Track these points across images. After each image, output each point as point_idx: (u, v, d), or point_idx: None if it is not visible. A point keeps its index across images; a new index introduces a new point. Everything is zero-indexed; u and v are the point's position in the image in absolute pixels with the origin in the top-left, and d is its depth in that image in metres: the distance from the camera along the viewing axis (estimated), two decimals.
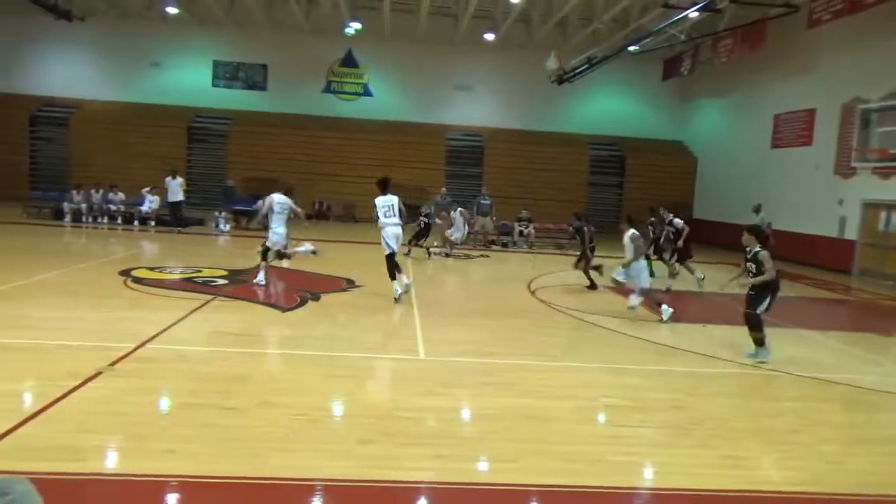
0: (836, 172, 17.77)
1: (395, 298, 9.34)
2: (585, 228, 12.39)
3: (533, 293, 11.15)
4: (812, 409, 6.00)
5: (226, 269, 11.17)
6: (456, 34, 24.54)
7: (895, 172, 15.03)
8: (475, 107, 26.67)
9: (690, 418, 5.45)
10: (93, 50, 24.95)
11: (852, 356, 8.40)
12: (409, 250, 14.50)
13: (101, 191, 19.15)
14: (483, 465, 4.38)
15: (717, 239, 21.34)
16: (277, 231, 10.09)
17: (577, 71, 22.18)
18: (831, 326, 10.64)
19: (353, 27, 22.80)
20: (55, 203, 19.17)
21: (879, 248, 16.57)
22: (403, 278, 9.66)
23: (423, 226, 15.35)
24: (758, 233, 7.63)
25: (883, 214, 16.51)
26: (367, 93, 26.25)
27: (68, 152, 24.02)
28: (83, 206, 18.80)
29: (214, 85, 25.81)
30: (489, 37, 24.17)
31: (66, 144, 24.15)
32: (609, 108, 26.94)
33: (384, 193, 9.60)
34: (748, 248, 7.52)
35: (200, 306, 8.57)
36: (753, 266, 7.39)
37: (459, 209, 16.38)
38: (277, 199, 10.12)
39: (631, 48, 20.31)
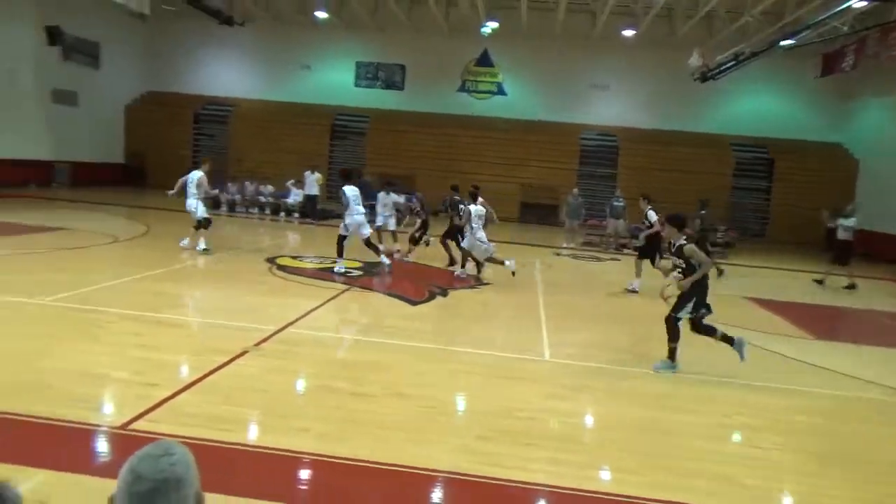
0: None
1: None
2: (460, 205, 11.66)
3: (666, 300, 10.71)
4: None
5: (360, 262, 11.69)
6: (593, 31, 24.01)
7: None
8: (611, 105, 25.96)
9: (831, 446, 5.01)
10: (250, 53, 26.96)
11: None
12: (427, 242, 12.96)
13: (253, 183, 20.70)
14: (604, 474, 4.29)
15: (883, 251, 19.36)
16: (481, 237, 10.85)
17: (723, 68, 20.93)
18: None
19: (490, 26, 22.97)
20: (213, 193, 20.92)
21: None
22: (383, 258, 10.78)
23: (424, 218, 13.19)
24: (677, 221, 6.64)
25: None
26: (500, 91, 26.38)
27: (226, 147, 26.17)
28: (237, 196, 20.40)
29: (356, 85, 27.00)
30: (628, 33, 23.41)
31: (224, 140, 26.32)
32: (756, 107, 25.19)
33: (352, 184, 10.70)
34: (672, 242, 6.64)
35: (337, 295, 9.04)
36: (682, 262, 6.51)
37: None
38: (475, 210, 10.80)
39: (784, 43, 18.87)
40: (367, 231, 10.81)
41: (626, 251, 17.69)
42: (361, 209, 10.61)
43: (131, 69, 26.68)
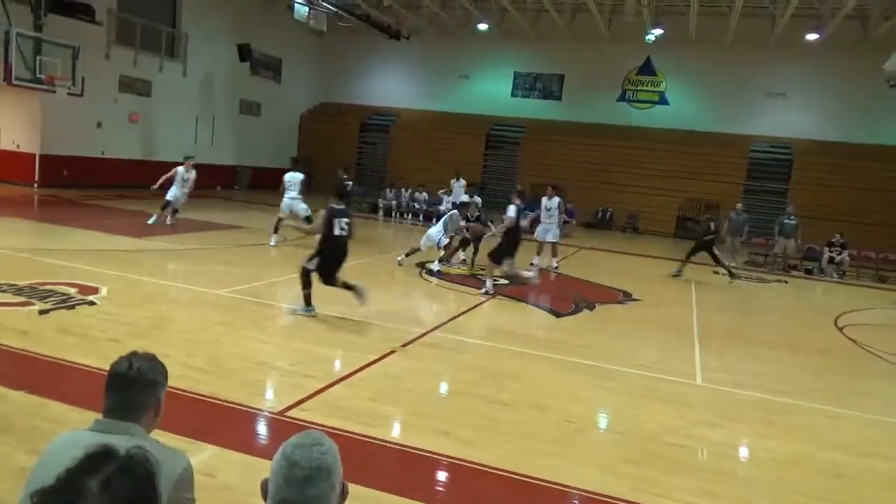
0: None
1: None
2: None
3: (841, 329, 9.67)
4: None
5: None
6: (772, 35, 22.28)
7: None
8: (786, 116, 23.92)
9: None
10: (414, 64, 28.10)
11: None
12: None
13: (409, 190, 21.54)
14: None
15: None
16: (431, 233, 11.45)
17: None
18: None
19: (655, 33, 22.13)
20: (373, 199, 22.08)
21: None
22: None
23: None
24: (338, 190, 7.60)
25: None
26: (663, 101, 25.29)
27: (386, 155, 27.46)
28: (394, 202, 21.34)
29: (513, 95, 27.18)
30: (812, 37, 21.44)
31: (385, 148, 27.65)
32: None
33: (295, 171, 12.54)
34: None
35: (482, 302, 9.13)
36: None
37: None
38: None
39: None
40: (301, 210, 12.18)
41: (794, 273, 16.21)
42: (293, 193, 12.21)
43: (308, 81, 28.87)
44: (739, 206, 17.47)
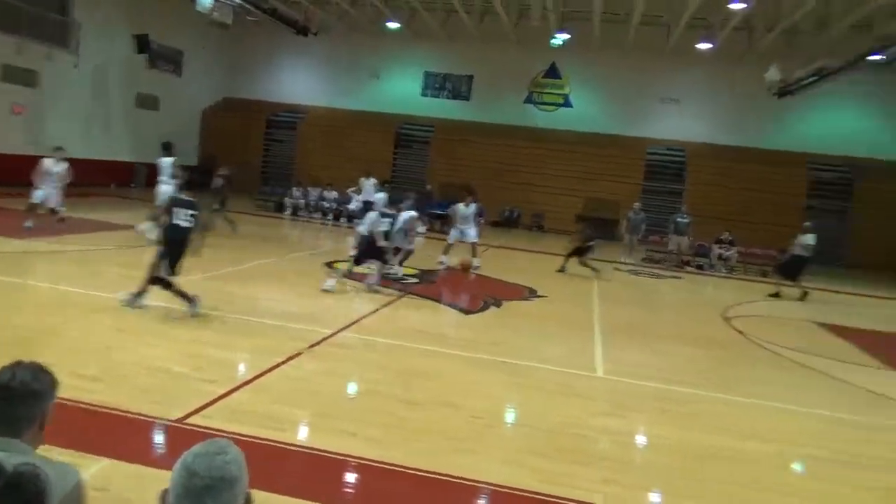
0: None
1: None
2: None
3: (728, 321, 10.33)
4: None
5: (417, 269, 11.75)
6: (667, 44, 23.51)
7: None
8: (680, 120, 25.33)
9: None
10: (322, 61, 27.61)
11: None
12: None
13: (317, 189, 21.17)
14: (656, 497, 4.15)
15: None
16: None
17: (804, 83, 20.09)
18: None
19: (560, 38, 22.81)
20: (278, 197, 21.54)
21: None
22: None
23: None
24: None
25: None
26: (567, 104, 26.14)
27: (294, 153, 26.87)
28: (301, 201, 20.90)
29: (423, 94, 27.26)
30: (703, 46, 22.79)
31: (292, 146, 27.04)
32: (838, 124, 24.01)
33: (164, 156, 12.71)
34: None
35: (391, 301, 9.11)
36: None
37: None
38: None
39: (874, 57, 17.94)
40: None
41: (687, 269, 17.18)
42: (164, 178, 12.24)
43: (210, 76, 27.75)
44: (637, 205, 18.35)
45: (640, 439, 5.21)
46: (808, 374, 7.68)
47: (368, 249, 9.62)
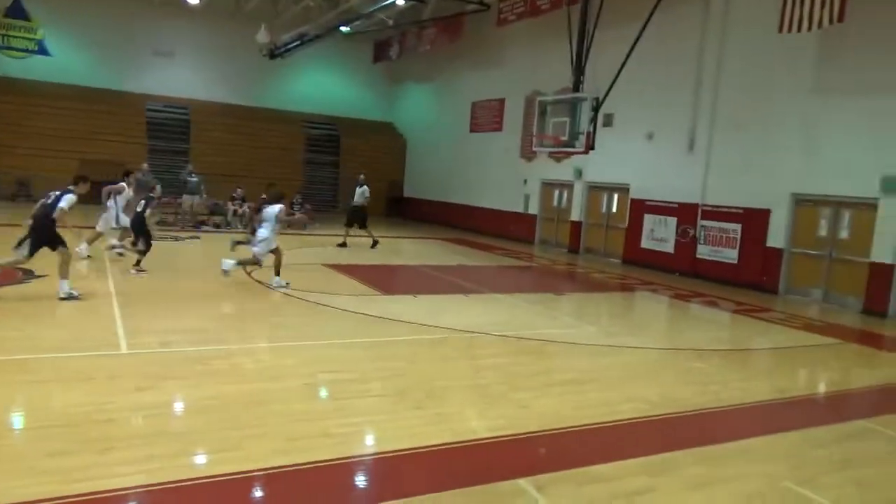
0: (522, 156, 20.31)
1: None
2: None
3: (249, 274, 10.79)
4: (507, 363, 6.84)
5: None
6: None
7: (566, 157, 17.66)
8: (179, 76, 24.64)
9: (407, 383, 5.81)
10: None
11: (536, 314, 9.75)
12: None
13: None
14: (201, 459, 4.14)
15: (423, 215, 22.94)
16: None
17: (289, 46, 21.76)
18: (519, 289, 12.20)
19: None
20: None
21: (553, 222, 19.46)
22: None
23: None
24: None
25: (556, 192, 19.38)
26: (42, 51, 22.47)
27: None
28: None
29: None
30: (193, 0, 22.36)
31: None
32: (324, 87, 27.03)
33: None
34: None
35: None
36: None
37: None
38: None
39: (343, 28, 20.54)
40: None
41: (204, 228, 17.17)
42: None
43: None
44: (145, 165, 17.29)
45: (178, 406, 5.08)
46: (322, 310, 8.65)
47: None
